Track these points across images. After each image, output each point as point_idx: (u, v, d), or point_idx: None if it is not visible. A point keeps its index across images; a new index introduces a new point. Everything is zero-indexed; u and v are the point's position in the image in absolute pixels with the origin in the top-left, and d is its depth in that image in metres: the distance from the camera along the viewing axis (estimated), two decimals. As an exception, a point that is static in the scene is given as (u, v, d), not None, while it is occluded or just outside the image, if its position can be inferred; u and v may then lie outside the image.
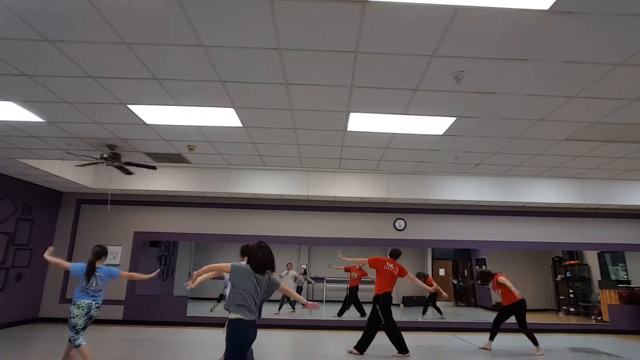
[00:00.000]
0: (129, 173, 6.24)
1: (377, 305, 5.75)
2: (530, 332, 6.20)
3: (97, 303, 4.52)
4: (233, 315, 3.02)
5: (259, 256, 3.16)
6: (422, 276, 9.12)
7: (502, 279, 6.34)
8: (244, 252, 4.55)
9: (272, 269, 3.27)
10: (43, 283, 8.17)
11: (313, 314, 9.41)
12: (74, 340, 4.46)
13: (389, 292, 5.84)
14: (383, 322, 5.72)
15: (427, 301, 10.20)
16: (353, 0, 2.35)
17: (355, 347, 5.76)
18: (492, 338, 6.47)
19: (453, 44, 2.78)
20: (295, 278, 10.00)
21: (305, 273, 12.03)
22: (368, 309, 6.16)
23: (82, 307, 4.42)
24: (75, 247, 8.41)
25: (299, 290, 11.54)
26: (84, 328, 4.48)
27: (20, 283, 7.54)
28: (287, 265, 10.06)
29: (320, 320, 8.67)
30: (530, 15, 2.43)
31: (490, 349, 6.38)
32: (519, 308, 6.25)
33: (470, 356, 5.98)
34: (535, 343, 6.11)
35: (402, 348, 5.66)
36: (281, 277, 9.41)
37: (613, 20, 2.45)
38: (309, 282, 11.75)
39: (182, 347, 5.83)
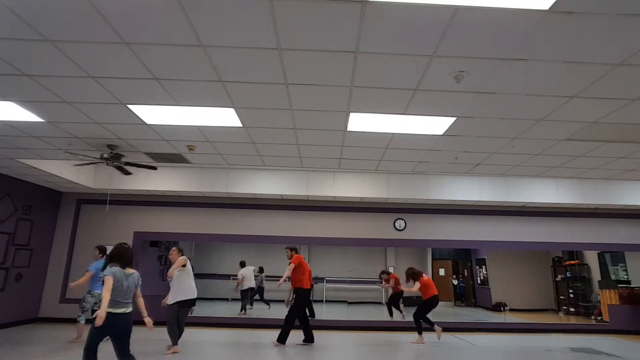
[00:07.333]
0: (128, 173, 6.25)
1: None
2: (419, 320, 6.84)
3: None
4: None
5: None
6: (385, 274, 9.36)
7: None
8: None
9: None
10: (43, 283, 8.17)
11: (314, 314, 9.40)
12: (79, 316, 5.96)
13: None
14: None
15: (389, 302, 9.38)
16: (353, 0, 2.35)
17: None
18: (420, 333, 6.85)
19: (453, 44, 2.78)
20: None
21: (261, 271, 10.62)
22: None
23: (95, 295, 5.93)
24: (75, 247, 8.41)
25: (261, 290, 10.61)
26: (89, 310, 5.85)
27: (20, 283, 7.54)
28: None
29: (321, 320, 8.67)
30: (530, 15, 2.43)
31: (424, 343, 6.72)
32: (435, 301, 6.86)
33: (470, 356, 5.98)
34: (420, 333, 6.79)
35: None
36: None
37: (613, 20, 2.45)
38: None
39: (182, 347, 5.83)
